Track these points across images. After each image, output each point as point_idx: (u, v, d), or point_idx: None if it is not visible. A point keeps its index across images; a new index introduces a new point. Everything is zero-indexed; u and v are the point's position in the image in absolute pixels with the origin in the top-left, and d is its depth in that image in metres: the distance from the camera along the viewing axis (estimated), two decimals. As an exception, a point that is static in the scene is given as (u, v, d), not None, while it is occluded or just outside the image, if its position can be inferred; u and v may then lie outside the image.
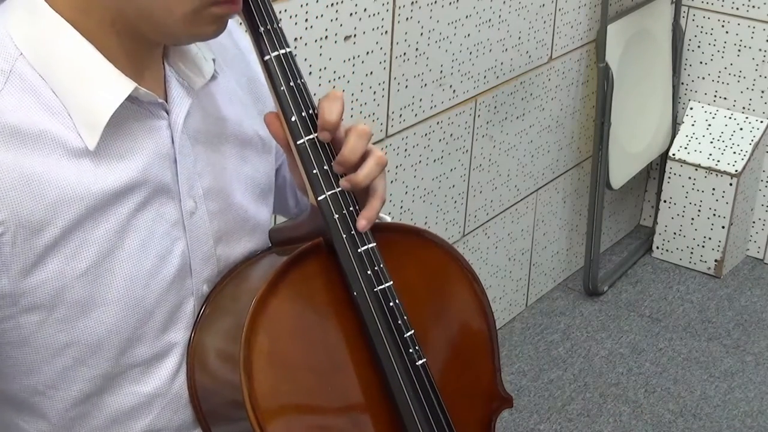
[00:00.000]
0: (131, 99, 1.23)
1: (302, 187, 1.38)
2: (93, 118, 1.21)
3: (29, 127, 1.18)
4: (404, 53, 2.68)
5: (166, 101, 1.29)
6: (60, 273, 1.21)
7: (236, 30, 1.45)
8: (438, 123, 2.88)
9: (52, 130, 1.19)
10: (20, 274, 1.19)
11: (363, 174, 1.32)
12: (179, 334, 1.34)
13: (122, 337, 1.27)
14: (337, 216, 1.33)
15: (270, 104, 1.45)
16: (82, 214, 1.21)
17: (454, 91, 2.90)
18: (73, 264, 1.21)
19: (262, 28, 1.32)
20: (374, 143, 2.66)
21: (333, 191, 1.33)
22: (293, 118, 1.32)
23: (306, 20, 2.35)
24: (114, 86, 1.22)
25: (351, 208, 1.33)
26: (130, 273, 1.26)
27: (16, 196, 1.16)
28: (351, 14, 2.47)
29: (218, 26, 1.24)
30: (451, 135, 2.95)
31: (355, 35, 2.50)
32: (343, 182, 1.33)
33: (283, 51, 1.33)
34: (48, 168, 1.18)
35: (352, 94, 2.56)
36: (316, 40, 2.40)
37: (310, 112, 1.33)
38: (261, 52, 1.32)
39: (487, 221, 3.23)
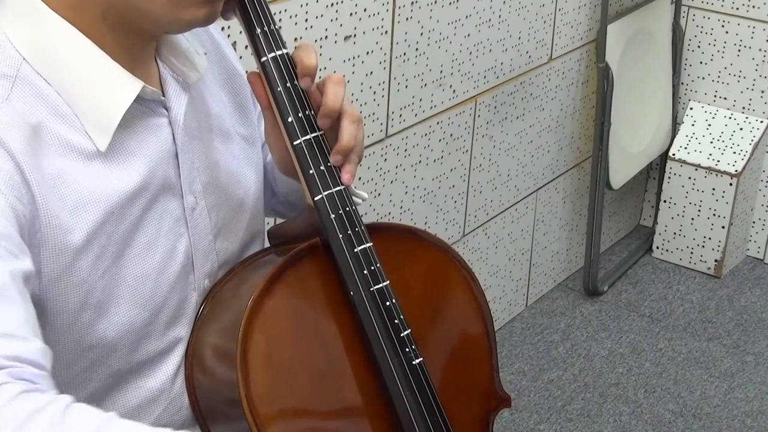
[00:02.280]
0: (135, 98, 1.24)
1: (282, 164, 1.39)
2: (104, 119, 1.21)
3: (44, 129, 1.18)
4: (404, 53, 2.68)
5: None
6: (87, 277, 1.21)
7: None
8: (438, 123, 2.88)
9: (64, 133, 1.19)
10: (51, 279, 1.19)
11: (345, 139, 1.34)
12: (184, 329, 1.35)
13: (134, 334, 1.28)
14: (333, 216, 1.33)
15: (249, 96, 1.46)
16: (103, 218, 1.21)
17: (454, 91, 2.90)
18: (97, 267, 1.22)
19: (258, 30, 1.32)
20: (374, 143, 2.68)
21: (329, 191, 1.33)
22: (290, 119, 1.33)
23: (306, 20, 2.36)
24: (122, 86, 1.22)
25: (348, 208, 1.34)
26: (141, 271, 1.27)
27: (44, 196, 1.17)
28: (351, 14, 2.47)
29: (208, 10, 1.23)
30: (451, 135, 2.95)
31: (355, 35, 2.51)
32: (333, 158, 1.34)
33: (279, 52, 1.33)
34: (66, 170, 1.19)
35: (352, 94, 2.56)
36: (316, 40, 2.40)
37: (307, 112, 1.33)
38: (258, 54, 1.33)
39: (487, 221, 3.24)
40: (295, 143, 1.33)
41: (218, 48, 1.46)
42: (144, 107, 1.27)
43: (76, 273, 1.20)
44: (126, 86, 1.23)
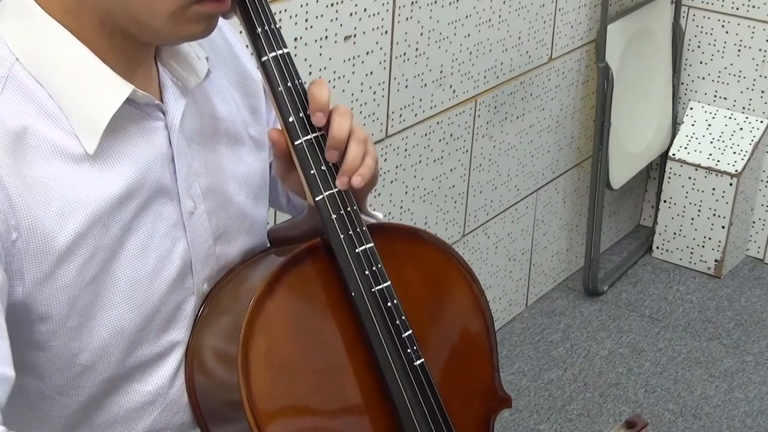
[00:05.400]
0: (128, 101, 1.23)
1: (295, 191, 1.38)
2: (92, 123, 1.21)
3: (30, 133, 1.18)
4: (404, 53, 2.68)
5: (161, 102, 1.29)
6: (72, 282, 1.21)
7: (225, 26, 1.44)
8: (438, 123, 2.88)
9: (52, 136, 1.19)
10: (35, 284, 1.19)
11: (350, 160, 1.32)
12: (180, 334, 1.34)
13: (128, 339, 1.28)
14: (335, 216, 1.32)
15: (261, 100, 1.46)
16: (90, 222, 1.21)
17: (454, 91, 2.90)
18: (84, 272, 1.21)
19: (259, 29, 1.31)
20: (374, 143, 2.67)
21: (331, 191, 1.32)
22: (291, 119, 1.32)
23: (306, 20, 2.35)
24: (112, 89, 1.22)
25: (349, 209, 1.33)
26: (132, 275, 1.26)
27: (26, 203, 1.16)
28: (351, 14, 2.47)
29: (207, 25, 1.23)
30: (451, 135, 2.95)
31: (355, 35, 2.50)
32: (339, 183, 1.33)
33: (280, 52, 1.32)
34: (51, 174, 1.18)
35: (352, 94, 2.56)
36: (316, 40, 2.40)
37: (308, 112, 1.33)
38: (258, 53, 1.32)
39: (487, 221, 3.24)
40: (296, 143, 1.32)
41: (232, 50, 1.45)
42: (139, 111, 1.26)
43: (60, 278, 1.20)
44: (115, 90, 1.22)
